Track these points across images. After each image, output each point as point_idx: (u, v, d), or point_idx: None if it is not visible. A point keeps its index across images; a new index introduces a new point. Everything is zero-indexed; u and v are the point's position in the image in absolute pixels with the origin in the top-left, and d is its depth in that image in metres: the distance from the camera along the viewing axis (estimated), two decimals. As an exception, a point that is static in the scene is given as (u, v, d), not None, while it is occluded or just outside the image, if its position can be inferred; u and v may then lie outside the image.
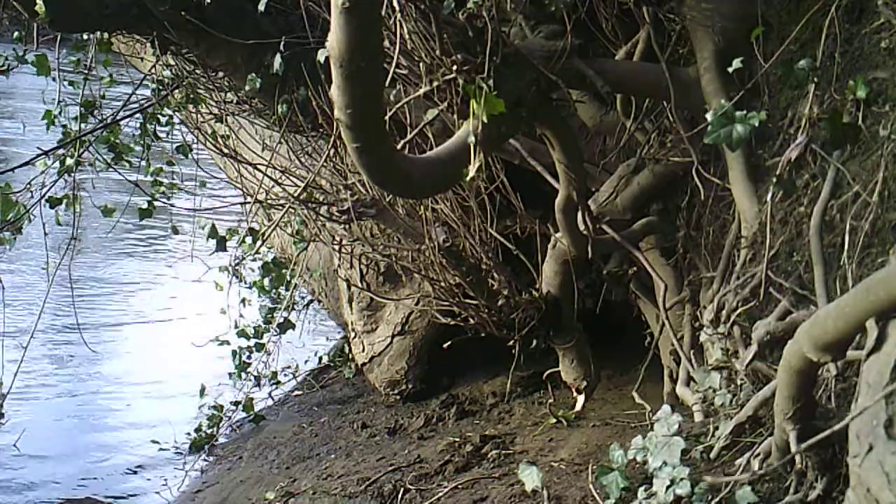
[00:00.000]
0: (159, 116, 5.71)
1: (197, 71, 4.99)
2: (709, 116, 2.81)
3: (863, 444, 1.93)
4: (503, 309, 3.88)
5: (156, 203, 5.68)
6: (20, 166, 4.99)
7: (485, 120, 2.72)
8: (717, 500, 2.68)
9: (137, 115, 5.52)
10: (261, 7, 4.19)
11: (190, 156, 5.88)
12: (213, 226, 5.30)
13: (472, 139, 2.73)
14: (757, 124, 2.75)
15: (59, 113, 5.36)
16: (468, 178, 2.75)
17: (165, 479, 5.38)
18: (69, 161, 5.07)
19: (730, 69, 3.09)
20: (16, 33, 5.09)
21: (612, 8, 3.86)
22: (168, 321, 7.59)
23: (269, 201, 4.81)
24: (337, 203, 4.38)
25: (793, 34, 3.15)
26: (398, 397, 5.50)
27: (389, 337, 5.48)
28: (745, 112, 2.79)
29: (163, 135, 5.91)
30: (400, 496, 3.88)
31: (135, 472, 5.49)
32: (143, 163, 5.80)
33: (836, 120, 2.85)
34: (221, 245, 5.37)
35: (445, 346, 4.15)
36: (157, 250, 9.15)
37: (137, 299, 8.15)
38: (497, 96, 2.72)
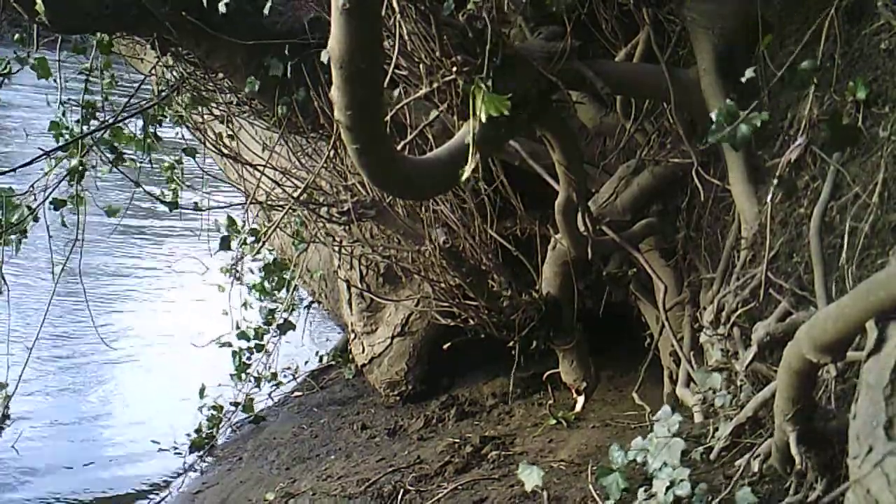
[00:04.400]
0: (161, 118, 5.71)
1: (197, 72, 4.99)
2: (713, 116, 2.81)
3: (863, 445, 1.93)
4: (503, 310, 3.88)
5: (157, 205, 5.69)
6: (21, 166, 4.99)
7: (483, 120, 2.72)
8: (716, 501, 2.69)
9: (138, 116, 5.52)
10: (266, 10, 4.19)
11: (194, 157, 5.88)
12: (230, 217, 5.29)
13: (468, 139, 2.73)
14: (759, 124, 2.75)
15: (63, 114, 5.37)
16: (463, 179, 2.75)
17: (165, 480, 5.38)
18: (73, 162, 5.07)
19: (743, 79, 3.07)
20: (16, 35, 5.09)
21: (611, 9, 3.86)
22: (168, 322, 7.59)
23: (270, 202, 4.82)
24: (337, 204, 4.39)
25: (793, 35, 3.16)
26: (398, 398, 5.50)
27: (389, 338, 5.48)
28: (745, 112, 2.79)
29: (166, 136, 5.92)
30: (400, 497, 3.88)
31: (134, 473, 5.50)
32: (146, 164, 5.79)
33: (835, 121, 2.85)
34: (225, 244, 5.37)
35: (445, 347, 4.16)
36: (158, 251, 9.16)
37: (138, 300, 8.16)
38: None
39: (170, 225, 9.07)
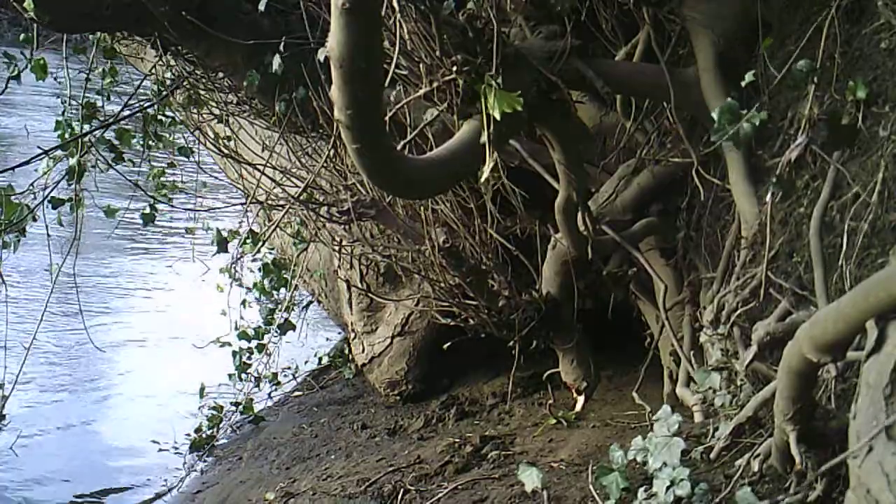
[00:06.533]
0: (161, 118, 5.71)
1: (197, 72, 4.99)
2: (714, 115, 2.79)
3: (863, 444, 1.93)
4: (503, 309, 3.87)
5: (158, 205, 5.69)
6: (20, 165, 4.99)
7: (497, 117, 2.71)
8: (717, 500, 2.69)
9: (138, 115, 5.52)
10: (261, 7, 4.20)
11: (191, 157, 5.88)
12: (219, 231, 5.31)
13: (483, 139, 2.73)
14: (758, 123, 2.75)
15: (63, 113, 5.37)
16: (482, 180, 2.75)
17: (165, 480, 5.38)
18: (72, 161, 5.06)
19: (743, 83, 3.05)
20: (21, 35, 5.09)
21: (612, 9, 3.86)
22: (168, 322, 7.59)
23: (270, 202, 4.82)
24: (337, 204, 4.39)
25: (793, 35, 3.16)
26: (398, 398, 5.50)
27: (389, 338, 5.48)
28: (745, 111, 2.79)
29: (164, 135, 5.92)
30: (400, 497, 3.87)
31: (134, 473, 5.49)
32: (145, 164, 5.80)
33: (835, 121, 2.85)
34: (222, 247, 5.38)
35: (445, 346, 4.15)
36: (158, 250, 9.15)
37: (137, 300, 8.15)
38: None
39: (170, 225, 9.07)
